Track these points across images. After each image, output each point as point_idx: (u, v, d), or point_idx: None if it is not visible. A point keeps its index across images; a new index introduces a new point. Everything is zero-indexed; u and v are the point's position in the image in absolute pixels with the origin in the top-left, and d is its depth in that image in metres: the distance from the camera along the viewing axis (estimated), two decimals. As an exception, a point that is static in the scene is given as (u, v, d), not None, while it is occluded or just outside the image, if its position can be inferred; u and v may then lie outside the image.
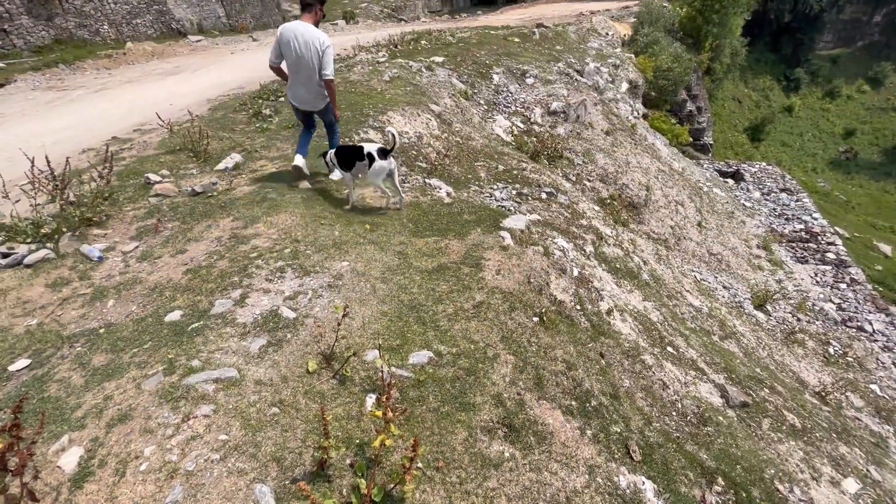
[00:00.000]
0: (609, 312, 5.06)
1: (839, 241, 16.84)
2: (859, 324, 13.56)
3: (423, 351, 3.20)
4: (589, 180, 12.45)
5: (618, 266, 8.07)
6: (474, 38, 16.78)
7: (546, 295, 4.41)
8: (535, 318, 4.00)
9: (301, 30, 4.36)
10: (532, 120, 13.45)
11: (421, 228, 5.07)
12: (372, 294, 3.79)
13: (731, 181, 21.09)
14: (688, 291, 10.48)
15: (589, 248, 7.57)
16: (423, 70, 12.26)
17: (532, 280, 4.40)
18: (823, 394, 9.61)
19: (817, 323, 13.51)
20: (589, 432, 3.18)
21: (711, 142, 25.45)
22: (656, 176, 14.66)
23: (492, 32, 18.34)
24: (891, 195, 32.52)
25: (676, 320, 7.68)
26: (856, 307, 14.21)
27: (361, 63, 12.60)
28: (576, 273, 5.22)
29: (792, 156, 34.57)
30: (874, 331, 13.35)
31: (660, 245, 12.66)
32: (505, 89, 14.10)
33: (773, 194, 19.80)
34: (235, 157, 6.04)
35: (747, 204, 18.95)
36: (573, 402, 3.34)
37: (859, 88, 38.85)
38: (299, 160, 5.06)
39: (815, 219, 17.80)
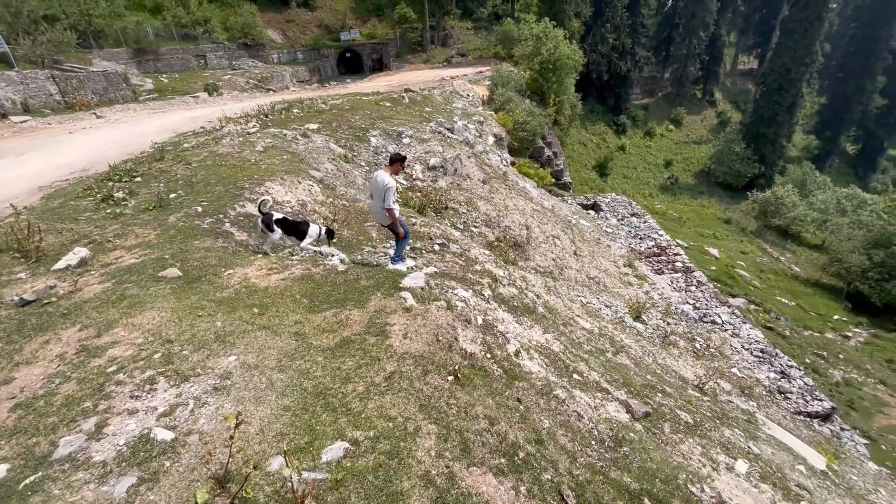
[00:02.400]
0: (517, 354, 5.15)
1: (682, 252, 19.89)
2: (712, 318, 15.87)
3: (336, 443, 2.84)
4: (475, 226, 13.06)
5: (515, 304, 8.39)
6: (347, 105, 17.15)
7: (456, 350, 4.34)
8: (451, 378, 3.87)
9: (379, 175, 5.89)
10: (414, 176, 13.87)
11: (317, 302, 4.75)
12: (269, 388, 3.32)
13: (592, 212, 23.91)
14: (578, 316, 11.27)
15: (487, 292, 7.78)
16: (299, 137, 12.06)
17: (441, 337, 4.31)
18: (701, 385, 10.81)
19: (682, 323, 15.51)
20: (523, 488, 3.06)
21: (570, 180, 28.82)
22: (532, 215, 15.95)
23: (363, 98, 18.97)
24: (707, 208, 40.07)
25: (575, 346, 8.12)
26: (706, 304, 16.66)
27: (230, 135, 11.98)
28: (480, 321, 5.26)
29: (632, 185, 40.89)
30: (723, 322, 15.72)
31: (546, 277, 13.56)
32: (384, 150, 14.46)
33: (626, 219, 22.86)
34: (80, 252, 5.09)
35: (608, 230, 21.58)
36: (502, 460, 3.21)
37: (667, 128, 48.19)
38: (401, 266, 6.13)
39: (661, 235, 20.86)
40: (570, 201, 24.75)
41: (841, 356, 19.46)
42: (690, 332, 14.91)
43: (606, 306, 14.30)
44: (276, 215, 6.05)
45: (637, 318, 14.54)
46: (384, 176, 6.02)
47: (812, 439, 11.51)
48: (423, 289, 5.04)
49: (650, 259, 19.43)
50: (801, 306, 24.64)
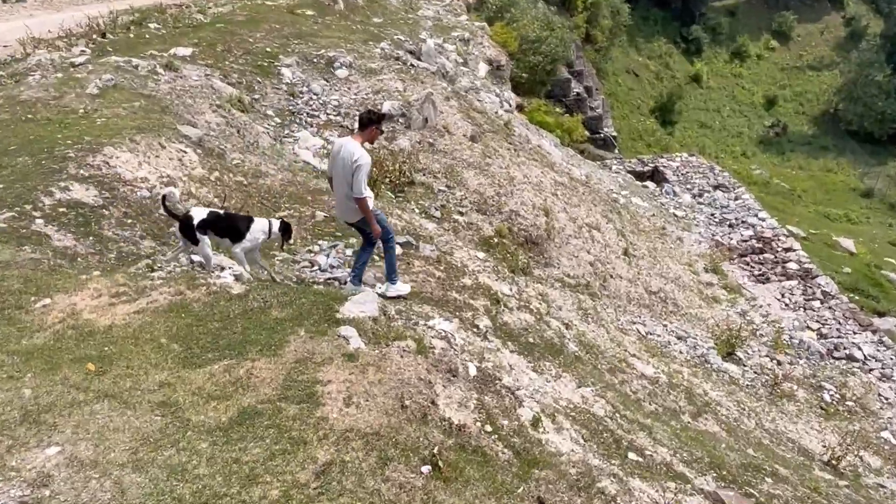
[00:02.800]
0: (536, 423, 5.19)
1: (797, 245, 20.40)
2: (847, 351, 16.28)
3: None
4: (461, 212, 13.14)
5: (531, 340, 8.49)
6: (241, 15, 17.04)
7: (435, 421, 4.34)
8: (426, 468, 3.86)
9: (345, 145, 6.61)
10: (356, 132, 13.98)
11: (197, 350, 4.71)
12: (118, 501, 3.24)
13: (650, 184, 24.31)
14: (634, 356, 11.47)
15: (484, 322, 7.86)
16: (160, 71, 11.93)
17: (408, 402, 4.31)
18: (834, 462, 11.10)
19: (801, 362, 15.88)
20: None
21: (615, 133, 29.35)
22: (555, 193, 16.09)
23: (268, 3, 18.89)
24: (835, 174, 41.04)
25: (630, 406, 8.25)
26: (838, 329, 17.08)
27: (42, 68, 11.75)
28: (473, 370, 5.29)
29: (715, 139, 41.70)
30: (865, 357, 16.13)
31: (581, 293, 13.74)
32: (305, 89, 14.44)
33: (706, 194, 23.33)
34: None
35: (679, 213, 22.01)
36: None
37: (767, 45, 49.14)
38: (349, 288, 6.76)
39: (763, 220, 21.37)
40: (615, 167, 25.11)
41: None
42: (815, 376, 15.24)
43: (679, 338, 14.54)
44: (199, 213, 6.27)
45: (729, 355, 14.82)
46: (352, 146, 6.52)
47: None
48: (376, 321, 5.05)
49: (746, 258, 19.82)
50: None
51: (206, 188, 8.91)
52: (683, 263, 18.53)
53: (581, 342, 10.11)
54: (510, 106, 21.94)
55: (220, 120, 11.22)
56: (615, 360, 10.52)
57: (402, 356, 4.64)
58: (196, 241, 6.26)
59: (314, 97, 14.01)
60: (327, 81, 14.77)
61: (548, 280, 13.21)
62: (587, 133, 27.52)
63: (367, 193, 6.49)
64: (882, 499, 10.73)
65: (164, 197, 6.37)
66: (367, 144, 6.78)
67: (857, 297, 22.07)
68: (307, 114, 13.49)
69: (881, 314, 22.06)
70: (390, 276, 7.31)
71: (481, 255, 10.96)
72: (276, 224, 6.88)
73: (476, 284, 9.33)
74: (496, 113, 19.24)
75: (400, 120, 14.63)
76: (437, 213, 12.63)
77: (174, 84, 11.64)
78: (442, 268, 9.23)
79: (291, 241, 7.39)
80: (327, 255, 8.31)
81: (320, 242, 8.72)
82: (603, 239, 16.05)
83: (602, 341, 11.22)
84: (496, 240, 12.98)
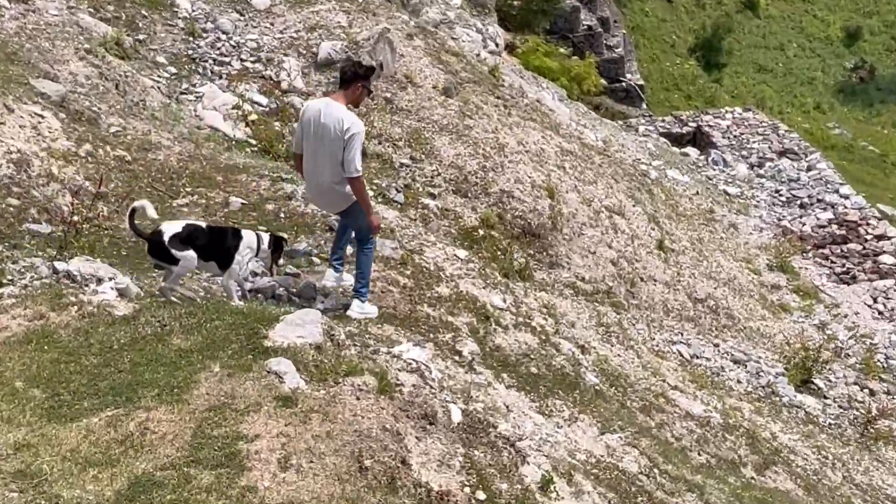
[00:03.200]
0: (546, 487, 5.22)
1: (892, 230, 20.63)
2: (964, 374, 16.57)
3: None
4: (433, 195, 13.11)
5: (534, 371, 8.52)
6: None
7: (407, 488, 4.33)
8: (396, 554, 3.85)
9: (325, 109, 6.86)
10: (286, 85, 13.78)
11: (66, 395, 4.67)
12: None
13: (692, 151, 24.39)
14: (676, 388, 11.55)
15: (468, 347, 7.89)
16: (4, 3, 11.74)
17: (368, 462, 4.29)
18: None
19: (902, 389, 16.12)
20: None
21: (641, 81, 29.45)
22: (560, 164, 16.11)
23: None
24: (941, 132, 41.67)
25: (672, 457, 8.32)
26: (950, 345, 17.37)
27: None
28: (457, 415, 5.30)
29: (778, 88, 41.86)
30: None
31: (600, 303, 13.78)
32: (210, 26, 14.23)
33: (768, 164, 23.46)
34: None
35: (732, 190, 22.10)
36: None
37: (846, -43, 49.64)
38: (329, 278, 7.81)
39: (847, 197, 21.59)
40: (643, 128, 25.14)
41: None
42: (920, 409, 15.46)
43: (736, 362, 14.65)
44: (173, 228, 6.50)
45: (805, 383, 14.96)
46: (338, 111, 6.88)
47: None
48: (320, 349, 5.03)
49: (824, 251, 20.01)
50: None
51: (72, 167, 8.79)
52: (739, 259, 18.65)
53: (603, 371, 10.14)
54: (497, 46, 21.88)
55: (91, 71, 11.07)
56: (650, 394, 10.58)
57: (358, 398, 4.62)
58: (175, 261, 6.41)
59: (223, 37, 13.88)
60: (241, 15, 14.64)
61: (555, 286, 13.23)
62: (604, 82, 27.57)
63: (361, 169, 6.88)
64: None
65: (132, 212, 6.56)
66: (351, 107, 7.08)
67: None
68: (214, 60, 13.36)
69: None
70: (359, 290, 7.45)
71: (462, 253, 10.94)
72: (265, 238, 7.12)
73: (456, 295, 9.29)
74: (478, 56, 19.19)
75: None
76: (400, 197, 12.61)
77: (24, 21, 11.46)
78: (409, 272, 9.21)
79: (281, 262, 7.70)
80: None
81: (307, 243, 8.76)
82: (629, 228, 16.10)
83: (631, 369, 11.27)
84: (482, 232, 12.97)
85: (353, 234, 7.66)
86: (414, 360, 5.54)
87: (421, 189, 13.11)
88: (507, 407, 7.00)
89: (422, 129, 14.17)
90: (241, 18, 14.56)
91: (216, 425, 4.30)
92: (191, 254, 6.40)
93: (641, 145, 22.48)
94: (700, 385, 12.75)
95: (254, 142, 12.04)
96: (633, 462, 7.33)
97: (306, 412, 4.43)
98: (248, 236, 6.92)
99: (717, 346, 14.95)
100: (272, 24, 14.76)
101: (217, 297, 6.97)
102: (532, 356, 8.90)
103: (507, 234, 13.34)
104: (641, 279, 15.23)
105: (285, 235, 8.14)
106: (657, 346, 13.87)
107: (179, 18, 13.71)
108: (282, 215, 9.45)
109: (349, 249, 8.13)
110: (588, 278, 14.16)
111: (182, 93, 12.25)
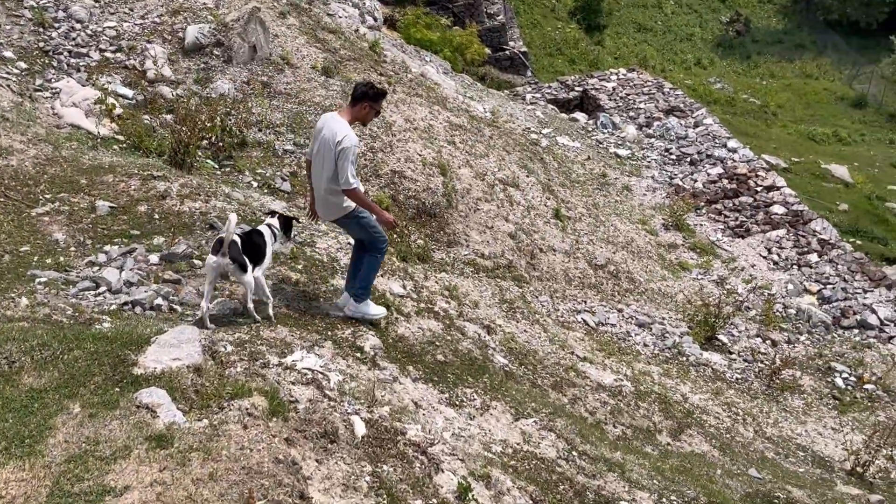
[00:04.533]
0: (464, 495, 4.89)
1: (781, 180, 21.10)
2: (859, 317, 16.99)
3: None
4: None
5: (441, 358, 8.21)
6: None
7: (309, 517, 3.92)
8: None
9: (328, 121, 7.24)
10: (152, 74, 13.17)
11: None
12: None
13: (580, 116, 24.44)
14: (585, 360, 11.44)
15: (370, 342, 7.53)
16: None
17: (261, 494, 3.85)
18: (860, 470, 11.51)
19: (802, 338, 16.44)
20: None
21: (524, 48, 29.38)
22: (451, 139, 15.89)
23: None
24: (816, 80, 43.00)
25: (589, 435, 8.13)
26: (844, 289, 17.81)
27: None
28: (361, 427, 4.90)
29: (658, 46, 42.68)
30: (882, 322, 16.89)
31: (502, 279, 13.62)
32: (62, 14, 13.44)
33: (655, 123, 23.68)
34: None
35: (622, 152, 22.20)
36: None
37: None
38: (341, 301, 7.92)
39: (735, 151, 21.96)
40: (530, 96, 25.12)
41: None
42: (821, 356, 15.78)
43: (641, 326, 14.68)
44: (233, 234, 6.59)
45: (709, 340, 15.12)
46: (336, 124, 7.17)
47: None
48: (199, 371, 4.52)
49: (718, 206, 20.30)
50: None
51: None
52: (635, 221, 18.76)
53: (511, 350, 9.98)
54: (376, 20, 21.54)
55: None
56: (560, 369, 10.47)
57: (245, 426, 4.14)
58: (247, 268, 6.63)
59: (78, 26, 13.07)
60: (96, 1, 13.81)
61: (455, 265, 13.06)
62: (487, 50, 27.44)
63: (356, 183, 7.06)
64: (924, 509, 11.23)
65: (227, 228, 6.57)
66: (356, 125, 7.35)
67: (858, 242, 23.23)
68: (69, 52, 12.56)
69: (891, 260, 23.34)
70: (358, 292, 7.78)
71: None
72: (275, 223, 7.47)
73: None
74: (356, 31, 18.80)
75: (215, 52, 14.07)
76: (287, 185, 12.28)
77: None
78: (301, 266, 8.86)
79: (295, 236, 8.05)
80: (120, 268, 7.63)
81: (108, 248, 8.04)
82: (524, 199, 16.03)
83: (539, 344, 11.15)
84: None
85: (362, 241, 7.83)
86: (309, 369, 5.09)
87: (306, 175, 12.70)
88: (416, 403, 6.67)
89: (304, 113, 13.85)
90: (97, 5, 13.75)
91: (77, 479, 3.77)
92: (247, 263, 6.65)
93: (530, 114, 22.40)
94: (608, 353, 12.74)
95: (121, 138, 11.37)
96: (551, 446, 7.12)
97: (185, 452, 3.94)
98: (264, 230, 7.24)
99: (621, 311, 14.97)
100: (132, 10, 14.02)
101: (85, 315, 6.30)
102: (437, 343, 8.64)
103: (402, 216, 13.14)
104: (541, 250, 15.14)
105: (288, 213, 8.37)
106: (562, 316, 13.80)
107: (26, 8, 12.82)
108: (156, 216, 8.82)
109: None
110: (487, 254, 14.02)
111: (36, 90, 11.47)
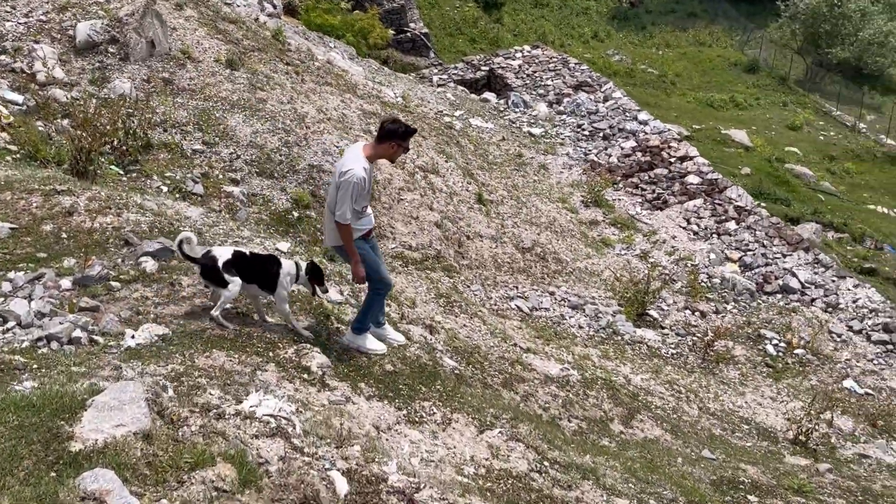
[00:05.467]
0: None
1: (693, 150, 21.17)
2: (781, 281, 17.14)
3: None
4: (235, 180, 12.17)
5: (390, 369, 7.68)
6: None
7: None
8: None
9: (348, 150, 7.50)
10: (43, 77, 12.22)
11: None
12: None
13: (490, 96, 24.10)
14: (529, 351, 11.07)
15: (317, 360, 6.96)
16: None
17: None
18: (803, 438, 11.52)
19: (728, 307, 16.48)
20: None
21: (426, 30, 28.84)
22: (366, 128, 15.37)
23: None
24: (709, 47, 43.75)
25: (554, 438, 7.78)
26: (763, 254, 17.94)
27: None
28: (343, 485, 4.27)
29: (556, 21, 42.56)
30: (803, 285, 17.09)
31: (432, 270, 13.19)
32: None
33: (566, 100, 23.50)
34: None
35: (535, 131, 21.96)
36: None
37: None
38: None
39: (645, 122, 21.93)
40: (437, 78, 24.71)
41: None
42: (750, 323, 15.88)
43: (574, 307, 14.50)
44: (224, 253, 6.98)
45: (641, 317, 15.03)
46: (351, 154, 7.09)
47: None
48: (149, 438, 3.74)
49: (634, 180, 20.24)
50: (912, 214, 28.56)
51: None
52: (555, 200, 18.58)
53: (457, 350, 9.53)
54: (275, 7, 20.87)
55: None
56: (506, 364, 10.10)
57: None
58: (224, 284, 6.86)
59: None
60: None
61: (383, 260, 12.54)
62: (391, 32, 26.94)
63: (350, 219, 6.83)
64: (870, 473, 11.26)
65: (180, 242, 6.94)
66: (372, 161, 7.04)
67: (763, 204, 23.51)
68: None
69: (794, 220, 23.79)
70: (355, 324, 7.73)
71: (284, 245, 9.98)
72: (302, 266, 7.48)
73: (289, 294, 8.38)
74: (257, 20, 18.13)
75: (110, 49, 13.26)
76: (199, 188, 11.67)
77: None
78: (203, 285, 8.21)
79: (326, 289, 7.81)
80: (29, 297, 6.83)
81: (12, 276, 7.22)
82: (446, 185, 15.68)
83: (481, 339, 10.75)
84: (297, 214, 12.38)
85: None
86: (271, 416, 4.42)
87: (221, 176, 12.16)
88: (377, 427, 6.12)
89: (211, 109, 13.15)
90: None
91: None
92: (238, 280, 6.92)
93: (441, 96, 21.93)
94: (546, 339, 12.48)
95: (14, 148, 10.48)
96: (521, 458, 6.68)
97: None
98: (287, 264, 7.35)
99: (552, 294, 14.73)
100: (13, 8, 13.04)
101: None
102: (384, 351, 8.09)
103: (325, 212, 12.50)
104: (468, 237, 14.77)
105: (317, 261, 8.31)
106: (495, 305, 13.47)
107: None
108: (64, 236, 8.01)
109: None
110: (415, 246, 13.59)
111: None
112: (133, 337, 6.54)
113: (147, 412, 3.81)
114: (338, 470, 4.27)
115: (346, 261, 7.71)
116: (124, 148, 11.45)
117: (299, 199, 12.38)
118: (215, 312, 6.98)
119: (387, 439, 5.89)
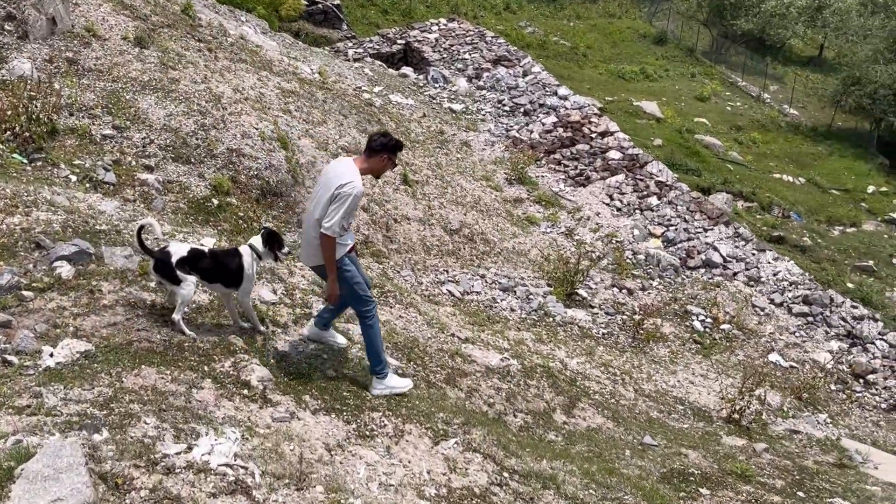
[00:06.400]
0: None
1: (614, 125, 21.10)
2: (704, 255, 17.23)
3: None
4: (149, 167, 11.44)
5: (332, 374, 7.26)
6: None
7: None
8: None
9: (337, 165, 7.05)
10: None
11: None
12: None
13: (409, 71, 23.55)
14: (465, 341, 10.71)
15: (257, 373, 6.47)
16: None
17: None
18: (736, 416, 11.58)
19: (654, 283, 16.49)
20: None
21: (338, 1, 27.96)
22: (285, 108, 14.75)
23: None
24: (619, 19, 43.90)
25: (508, 444, 7.44)
26: (686, 229, 18.01)
27: None
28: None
29: (467, -9, 42.21)
30: (725, 259, 17.22)
31: (361, 256, 12.72)
32: None
33: (484, 74, 23.14)
34: None
35: (456, 107, 21.52)
36: None
37: None
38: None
39: (565, 97, 21.74)
40: (353, 52, 24.08)
41: (895, 260, 23.71)
42: (676, 299, 15.93)
43: (505, 290, 14.27)
44: (178, 250, 6.79)
45: (570, 297, 14.86)
46: (345, 168, 6.76)
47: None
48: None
49: (556, 156, 20.05)
50: (814, 182, 29.28)
51: None
52: (479, 178, 18.22)
53: (396, 346, 9.13)
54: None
55: None
56: (446, 356, 9.75)
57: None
58: (177, 281, 6.68)
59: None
60: None
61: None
62: (304, 2, 26.00)
63: (337, 232, 6.59)
64: (802, 450, 11.36)
65: (140, 228, 6.77)
66: (366, 176, 6.89)
67: (678, 175, 23.71)
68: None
69: (705, 190, 24.05)
70: (374, 368, 7.26)
71: (209, 241, 9.30)
72: (258, 242, 7.23)
73: (219, 298, 7.79)
74: (165, -7, 17.11)
75: (7, 27, 12.24)
76: (111, 176, 10.87)
77: None
78: (154, 283, 7.53)
79: (287, 250, 7.66)
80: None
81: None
82: (368, 166, 15.15)
83: (418, 330, 10.35)
84: (217, 201, 11.69)
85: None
86: (227, 465, 3.87)
87: (134, 163, 11.37)
88: (328, 448, 5.64)
89: (120, 91, 12.27)
90: None
91: None
92: (192, 279, 6.75)
93: (358, 72, 21.24)
94: (480, 326, 12.18)
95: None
96: (480, 470, 6.32)
97: None
98: (244, 251, 7.13)
99: (483, 276, 14.43)
100: None
101: None
102: (324, 355, 7.64)
103: (247, 199, 12.01)
104: (395, 220, 14.27)
105: (270, 225, 8.47)
106: (427, 290, 13.09)
107: None
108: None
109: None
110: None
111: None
112: (52, 355, 5.88)
113: (88, 480, 3.21)
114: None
115: (325, 279, 7.27)
116: (27, 134, 10.53)
117: (219, 185, 11.67)
118: (176, 317, 6.77)
119: (341, 462, 5.41)
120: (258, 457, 4.61)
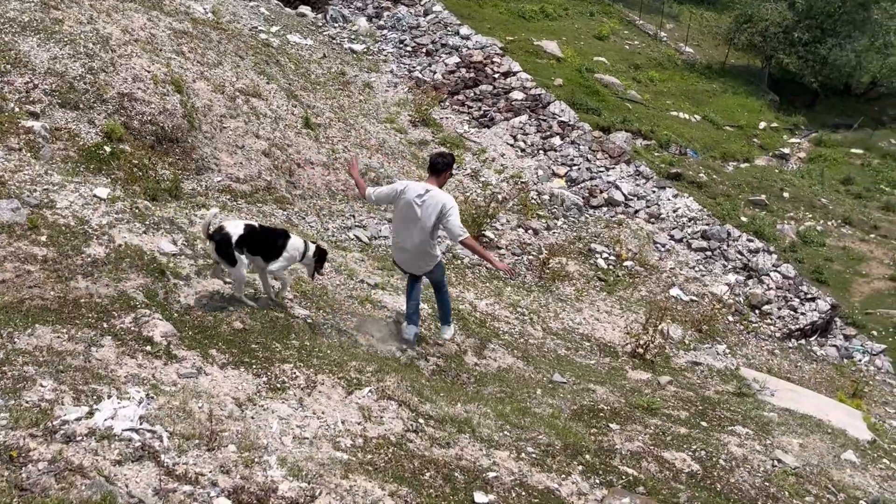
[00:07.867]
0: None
1: (516, 65, 20.96)
2: (606, 194, 17.40)
3: None
4: (34, 113, 10.79)
5: (239, 326, 7.05)
6: None
7: None
8: None
9: (426, 196, 8.16)
10: None
11: None
12: None
13: (307, 11, 22.79)
14: (376, 287, 10.59)
15: (160, 328, 6.23)
16: None
17: None
18: (640, 350, 11.78)
19: (559, 223, 16.60)
20: None
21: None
22: (178, 49, 14.09)
23: None
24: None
25: (422, 389, 7.37)
26: (588, 169, 18.14)
27: None
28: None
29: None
30: (626, 197, 17.44)
31: (263, 203, 12.45)
32: None
33: (385, 13, 22.60)
34: None
35: (357, 47, 20.97)
36: None
37: None
38: (410, 332, 8.89)
39: (467, 37, 21.46)
40: (247, -9, 23.15)
41: (786, 194, 24.48)
42: (580, 238, 16.08)
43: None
44: (236, 228, 7.11)
45: (477, 238, 14.79)
46: (440, 195, 8.03)
47: (826, 381, 14.03)
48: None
49: (460, 97, 19.84)
50: (709, 119, 29.87)
51: None
52: (383, 121, 17.90)
53: (305, 295, 8.98)
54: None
55: None
56: (356, 303, 9.57)
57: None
58: (234, 262, 7.08)
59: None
60: None
61: (210, 195, 11.61)
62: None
63: (466, 232, 8.11)
64: (703, 381, 11.67)
65: (210, 218, 7.10)
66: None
67: (584, 114, 23.82)
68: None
69: (605, 129, 24.30)
70: (447, 320, 9.44)
71: (103, 192, 8.88)
72: (311, 248, 7.96)
73: (115, 252, 7.47)
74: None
75: None
76: None
77: None
78: (45, 237, 7.14)
79: (324, 273, 8.59)
80: None
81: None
82: (270, 110, 14.66)
83: (325, 278, 10.10)
84: (109, 148, 11.10)
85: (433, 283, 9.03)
86: (133, 429, 3.65)
87: (17, 109, 10.71)
88: (238, 403, 5.45)
89: None
90: None
91: None
92: (245, 259, 7.17)
93: (254, 11, 20.46)
94: (388, 269, 12.02)
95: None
96: (395, 418, 6.22)
97: None
98: (295, 240, 7.77)
99: (390, 220, 14.20)
100: None
101: None
102: (230, 307, 7.38)
103: (141, 146, 11.48)
104: (298, 165, 13.91)
105: (326, 247, 9.15)
106: (333, 236, 12.83)
107: None
108: None
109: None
110: (243, 177, 12.62)
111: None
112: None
113: None
114: (224, 494, 3.59)
115: (431, 277, 8.83)
116: None
117: (111, 131, 11.08)
118: (238, 294, 7.42)
119: (252, 418, 5.22)
120: (165, 417, 4.41)
